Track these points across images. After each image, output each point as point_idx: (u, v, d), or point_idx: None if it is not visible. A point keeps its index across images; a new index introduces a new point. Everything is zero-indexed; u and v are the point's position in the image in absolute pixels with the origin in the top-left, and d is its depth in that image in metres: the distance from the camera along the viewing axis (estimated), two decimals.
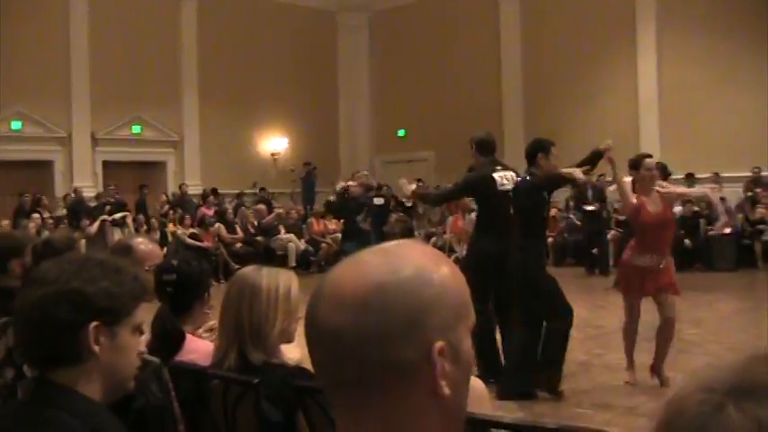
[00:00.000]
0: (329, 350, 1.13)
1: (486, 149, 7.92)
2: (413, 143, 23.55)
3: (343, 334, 1.10)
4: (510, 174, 7.59)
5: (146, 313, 2.18)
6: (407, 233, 20.68)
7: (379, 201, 17.21)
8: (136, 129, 21.23)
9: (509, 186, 7.41)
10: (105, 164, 20.74)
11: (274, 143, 23.48)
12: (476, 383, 2.38)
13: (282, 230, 19.23)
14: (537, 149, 7.41)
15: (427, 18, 23.07)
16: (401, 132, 24.08)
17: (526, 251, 7.07)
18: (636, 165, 7.38)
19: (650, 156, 7.73)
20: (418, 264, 1.14)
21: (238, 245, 18.51)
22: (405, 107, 23.48)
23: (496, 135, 22.20)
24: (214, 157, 21.86)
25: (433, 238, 18.13)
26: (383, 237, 20.67)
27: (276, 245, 18.93)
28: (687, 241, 16.45)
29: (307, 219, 20.89)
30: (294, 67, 23.29)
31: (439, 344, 1.11)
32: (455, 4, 22.52)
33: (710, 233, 16.97)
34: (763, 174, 17.05)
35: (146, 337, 3.01)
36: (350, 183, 13.42)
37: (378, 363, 1.09)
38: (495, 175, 7.56)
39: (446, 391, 1.11)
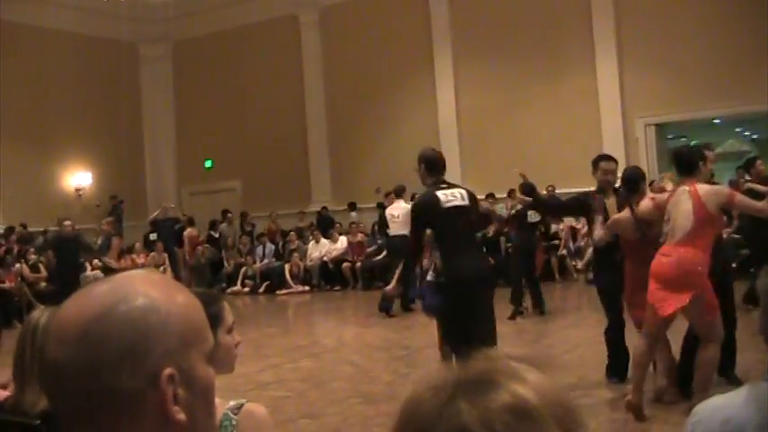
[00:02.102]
0: (53, 386, 1.12)
1: (436, 168, 7.22)
2: (220, 173, 23.58)
3: (64, 367, 1.10)
4: (459, 191, 7.08)
5: None
6: (216, 261, 20.76)
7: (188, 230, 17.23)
8: None
9: (458, 202, 6.93)
10: None
11: (78, 178, 22.95)
12: (257, 409, 2.58)
13: (89, 267, 18.82)
14: None
15: (230, 48, 23.18)
16: (208, 163, 24.08)
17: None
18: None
19: None
20: (144, 292, 1.14)
21: (43, 284, 17.96)
22: (211, 137, 23.50)
23: (301, 162, 22.81)
24: (16, 194, 21.09)
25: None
26: (193, 269, 20.67)
27: (84, 282, 18.52)
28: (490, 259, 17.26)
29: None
30: (96, 101, 22.85)
31: (167, 370, 1.11)
32: (257, 34, 22.75)
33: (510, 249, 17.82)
34: (557, 192, 18.11)
35: None
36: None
37: (101, 394, 1.09)
38: (439, 194, 7.04)
39: (180, 416, 1.12)
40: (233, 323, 2.72)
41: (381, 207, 15.59)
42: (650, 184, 17.72)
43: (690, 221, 6.49)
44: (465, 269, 6.85)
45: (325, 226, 20.32)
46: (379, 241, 18.23)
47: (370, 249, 19.02)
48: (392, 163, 20.09)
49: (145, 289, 1.15)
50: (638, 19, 18.45)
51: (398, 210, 14.56)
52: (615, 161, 8.20)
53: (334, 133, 21.95)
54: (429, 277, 7.48)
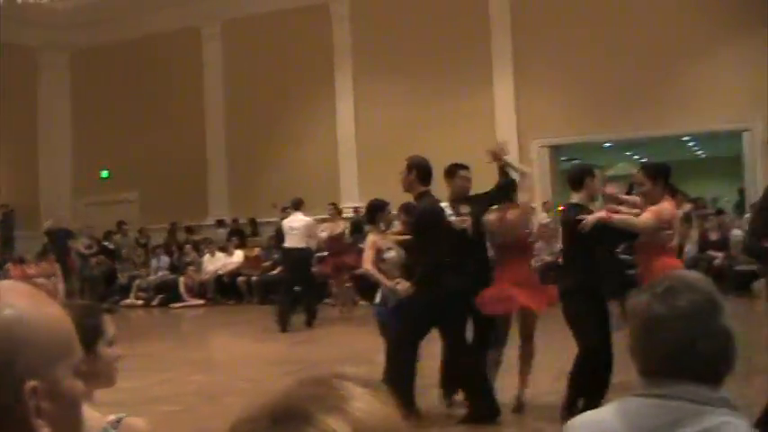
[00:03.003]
0: None
1: (428, 177, 7.10)
2: (117, 184, 23.19)
3: None
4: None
5: None
6: (110, 272, 20.41)
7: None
8: None
9: (448, 213, 7.06)
10: None
11: None
12: (137, 423, 2.60)
13: None
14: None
15: (131, 58, 22.85)
16: (104, 173, 23.66)
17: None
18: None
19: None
20: (10, 303, 1.13)
21: None
22: (108, 148, 23.07)
23: (200, 176, 22.58)
24: None
25: None
26: (86, 280, 20.29)
27: None
28: None
29: (4, 264, 20.00)
30: None
31: (31, 383, 1.10)
32: (158, 45, 22.48)
33: None
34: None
35: None
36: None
37: None
38: (443, 205, 7.08)
39: (44, 430, 1.11)
40: (114, 336, 2.74)
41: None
42: (544, 204, 18.31)
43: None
44: (441, 288, 6.87)
45: (242, 237, 20.23)
46: (275, 256, 18.19)
47: (265, 263, 18.95)
48: (290, 178, 20.13)
49: (12, 300, 1.13)
50: (535, 43, 18.93)
51: (297, 222, 14.60)
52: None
53: (233, 146, 21.84)
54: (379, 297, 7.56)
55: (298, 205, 15.05)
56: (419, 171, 7.02)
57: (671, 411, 2.10)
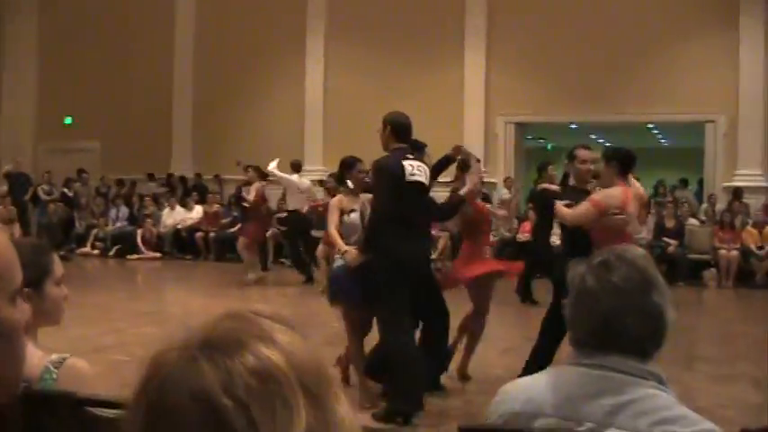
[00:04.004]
0: None
1: (403, 134, 6.68)
2: (80, 132, 22.93)
3: None
4: (423, 167, 6.72)
5: None
6: (68, 220, 20.26)
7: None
8: None
9: (421, 178, 6.58)
10: None
11: None
12: (79, 364, 2.63)
13: None
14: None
15: (102, 5, 22.52)
16: (68, 120, 23.37)
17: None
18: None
19: None
20: None
21: None
22: (73, 94, 22.75)
23: (165, 129, 22.42)
24: None
25: None
26: (42, 226, 20.12)
27: None
28: None
29: None
30: None
31: None
32: None
33: None
34: None
35: None
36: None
37: None
38: (405, 164, 6.56)
39: None
40: (62, 276, 2.76)
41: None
42: (505, 180, 18.45)
43: None
44: (409, 255, 6.43)
45: (201, 193, 20.12)
46: (235, 214, 18.17)
47: (224, 220, 18.91)
48: (256, 136, 20.08)
49: None
50: (508, 21, 18.99)
51: (304, 185, 15.21)
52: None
53: (199, 101, 21.66)
54: (341, 261, 6.90)
55: (297, 167, 15.28)
56: (393, 127, 6.64)
57: (599, 381, 2.17)
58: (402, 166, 6.49)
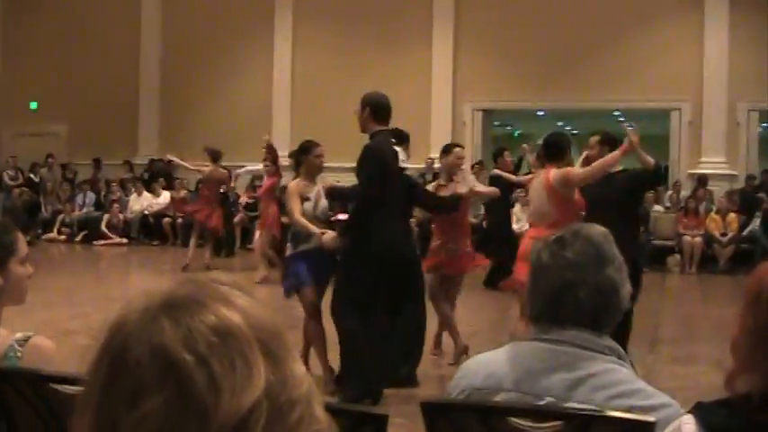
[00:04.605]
0: None
1: (384, 116, 6.40)
2: (46, 116, 22.70)
3: None
4: (402, 152, 6.63)
5: None
6: (33, 205, 20.07)
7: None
8: None
9: (404, 164, 6.60)
10: None
11: None
12: (44, 343, 2.69)
13: None
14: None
15: None
16: (33, 105, 23.12)
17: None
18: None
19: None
20: None
21: None
22: (39, 78, 22.50)
23: (132, 109, 22.20)
24: None
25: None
26: (7, 210, 19.93)
27: None
28: None
29: None
30: None
31: None
32: None
33: None
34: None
35: None
36: None
37: None
38: (397, 149, 6.44)
39: None
40: (27, 255, 2.76)
41: None
42: (473, 167, 18.51)
43: (545, 205, 6.83)
44: (395, 242, 6.36)
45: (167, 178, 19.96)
46: None
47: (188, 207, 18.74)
48: (223, 120, 19.98)
49: None
50: (477, 7, 18.99)
51: None
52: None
53: (167, 83, 21.49)
54: (294, 248, 6.79)
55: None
56: (372, 108, 6.34)
57: (557, 356, 2.21)
58: (395, 152, 6.42)
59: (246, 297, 1.00)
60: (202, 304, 0.95)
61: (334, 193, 7.19)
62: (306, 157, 7.05)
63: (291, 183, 7.13)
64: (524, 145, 11.37)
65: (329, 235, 6.54)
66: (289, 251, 6.88)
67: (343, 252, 6.46)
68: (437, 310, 7.69)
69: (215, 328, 0.93)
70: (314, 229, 6.61)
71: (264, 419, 0.90)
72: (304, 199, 6.85)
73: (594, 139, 7.27)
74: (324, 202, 7.00)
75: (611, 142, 7.12)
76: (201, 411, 0.89)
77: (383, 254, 6.23)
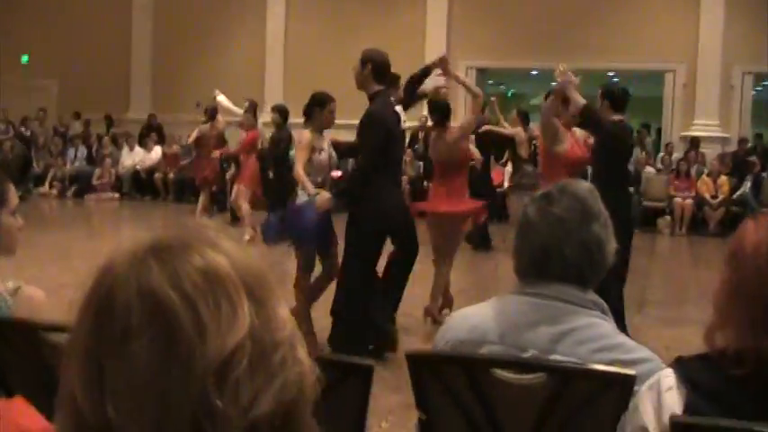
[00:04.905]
0: None
1: (384, 75, 6.23)
2: (36, 70, 22.54)
3: None
4: (400, 109, 6.53)
5: None
6: (25, 159, 19.98)
7: None
8: None
9: (403, 125, 6.52)
10: None
11: None
12: (35, 293, 2.71)
13: None
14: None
15: None
16: (25, 58, 22.93)
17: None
18: None
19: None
20: None
21: None
22: (30, 32, 22.31)
23: (124, 68, 22.08)
24: None
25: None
26: None
27: None
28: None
29: None
30: None
31: None
32: None
33: None
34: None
35: None
36: None
37: None
38: (398, 109, 6.33)
39: None
40: (17, 205, 2.77)
41: None
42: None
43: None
44: (396, 205, 6.38)
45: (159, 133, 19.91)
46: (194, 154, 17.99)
47: (183, 162, 18.74)
48: (216, 78, 19.81)
49: None
50: None
51: None
52: None
53: (159, 41, 21.35)
54: (303, 197, 6.57)
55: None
56: (375, 66, 6.13)
57: (541, 309, 2.25)
58: (397, 114, 6.31)
59: (233, 242, 1.01)
60: (189, 247, 0.97)
61: (336, 148, 7.07)
62: (320, 110, 6.75)
63: (305, 132, 6.81)
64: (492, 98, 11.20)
65: (323, 195, 6.45)
66: (300, 198, 6.62)
67: (348, 220, 6.45)
68: (439, 269, 7.73)
69: (201, 269, 0.95)
70: (311, 187, 6.48)
71: (248, 360, 0.92)
72: (319, 150, 6.70)
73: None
74: (334, 155, 6.92)
75: (609, 95, 7.07)
76: (187, 351, 0.90)
77: (385, 222, 6.24)
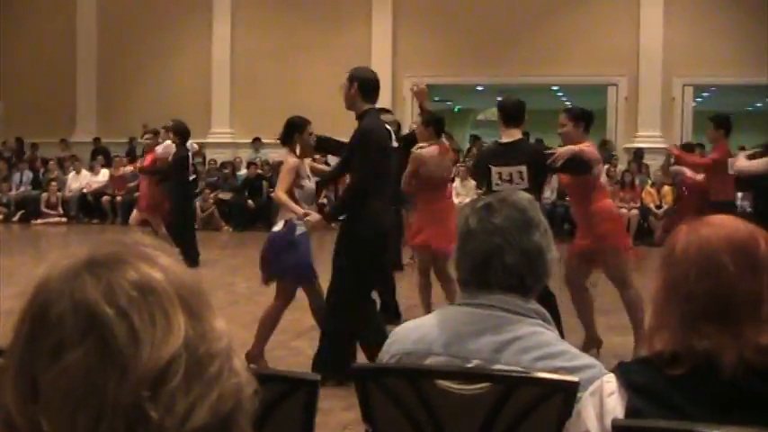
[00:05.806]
0: None
1: (373, 92, 6.13)
2: None
3: None
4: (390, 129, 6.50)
5: None
6: None
7: None
8: None
9: (394, 143, 6.46)
10: None
11: None
12: None
13: None
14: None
15: None
16: None
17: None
18: None
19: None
20: None
21: None
22: None
23: (69, 88, 21.81)
24: None
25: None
26: None
27: None
28: (250, 202, 17.67)
29: None
30: None
31: None
32: None
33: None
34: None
35: None
36: None
37: None
38: (388, 127, 6.33)
39: None
40: None
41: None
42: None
43: None
44: (389, 225, 6.37)
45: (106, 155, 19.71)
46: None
47: (131, 184, 18.53)
48: (162, 96, 19.74)
49: None
50: None
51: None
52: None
53: (104, 60, 21.11)
54: (281, 224, 6.41)
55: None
56: (362, 84, 6.03)
57: (485, 319, 2.28)
58: (389, 132, 6.29)
59: (168, 257, 1.02)
60: (124, 262, 0.98)
61: (322, 144, 6.89)
62: (300, 135, 6.52)
63: (291, 159, 6.48)
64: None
65: (314, 217, 6.28)
66: (285, 230, 6.41)
67: (339, 233, 6.30)
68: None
69: (136, 283, 0.96)
70: (298, 209, 6.28)
71: (184, 371, 0.93)
72: (305, 176, 6.48)
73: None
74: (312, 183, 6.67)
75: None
76: (122, 362, 0.91)
77: (377, 241, 6.14)
